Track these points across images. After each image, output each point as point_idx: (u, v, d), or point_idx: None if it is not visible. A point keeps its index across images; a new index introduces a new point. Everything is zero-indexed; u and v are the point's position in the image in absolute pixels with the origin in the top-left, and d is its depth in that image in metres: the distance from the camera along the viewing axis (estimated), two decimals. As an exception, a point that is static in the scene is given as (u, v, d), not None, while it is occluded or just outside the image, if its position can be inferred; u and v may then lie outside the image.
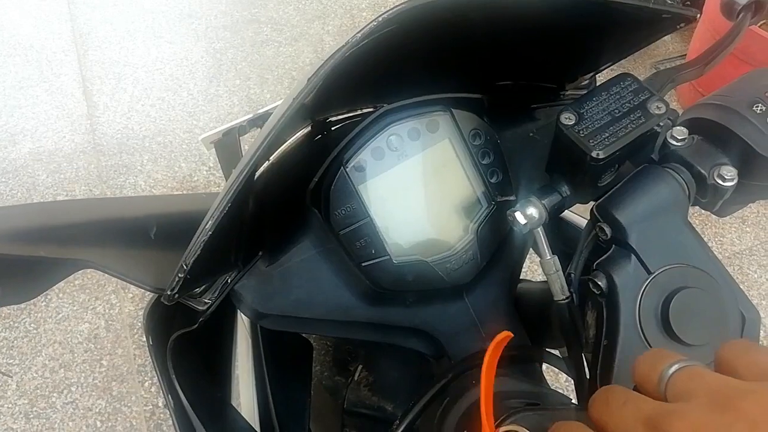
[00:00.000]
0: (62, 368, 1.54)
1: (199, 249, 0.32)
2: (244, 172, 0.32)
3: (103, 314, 1.64)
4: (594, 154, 0.37)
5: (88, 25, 2.62)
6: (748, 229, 1.87)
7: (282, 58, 2.47)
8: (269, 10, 2.71)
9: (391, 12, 0.31)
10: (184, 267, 0.33)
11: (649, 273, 0.37)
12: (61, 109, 2.24)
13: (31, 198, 1.93)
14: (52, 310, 1.65)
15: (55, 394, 1.50)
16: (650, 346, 0.36)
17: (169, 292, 0.34)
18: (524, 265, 0.56)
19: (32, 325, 1.62)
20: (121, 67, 2.42)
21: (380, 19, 0.31)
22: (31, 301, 1.62)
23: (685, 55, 2.36)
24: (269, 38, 2.57)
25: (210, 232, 0.32)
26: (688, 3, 2.29)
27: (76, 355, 1.57)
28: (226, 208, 0.32)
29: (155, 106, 2.26)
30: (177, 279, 0.34)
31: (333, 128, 0.50)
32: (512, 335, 0.37)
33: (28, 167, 2.03)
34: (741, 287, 0.38)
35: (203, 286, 0.42)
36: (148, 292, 0.42)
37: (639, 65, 2.41)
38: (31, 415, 1.46)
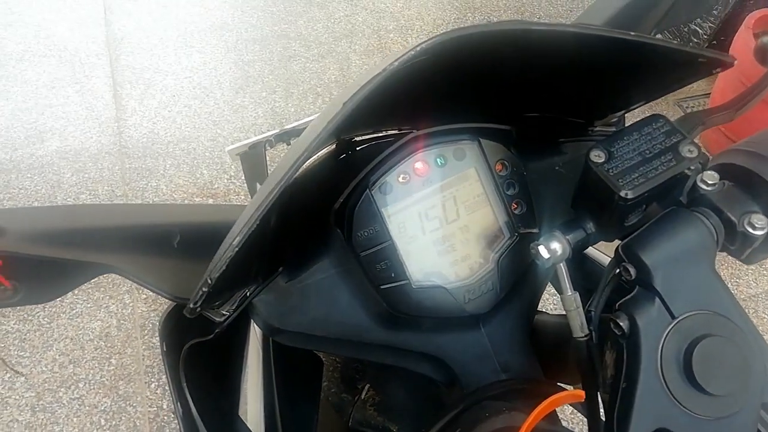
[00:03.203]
0: (71, 364, 1.56)
1: (224, 265, 0.33)
2: (275, 191, 0.32)
3: (116, 313, 1.65)
4: (623, 193, 0.37)
5: (122, 31, 2.69)
6: (765, 272, 1.83)
7: (308, 74, 2.51)
8: (299, 26, 2.76)
9: (429, 42, 0.32)
10: (209, 281, 0.33)
11: (673, 317, 0.36)
12: (91, 111, 2.29)
13: (55, 195, 1.96)
14: (67, 305, 1.67)
15: (62, 389, 1.51)
16: (671, 392, 0.35)
17: (191, 306, 0.35)
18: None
19: (45, 319, 1.64)
20: (151, 73, 2.48)
21: (419, 48, 0.32)
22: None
23: (709, 94, 2.35)
24: (297, 54, 2.61)
25: (237, 249, 0.32)
26: (715, 42, 2.29)
27: (86, 351, 1.58)
28: (255, 226, 0.32)
29: (182, 113, 2.30)
30: (201, 293, 0.34)
31: (358, 148, 0.50)
32: (582, 397, 0.36)
33: (53, 165, 2.07)
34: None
35: (223, 299, 0.42)
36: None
37: (662, 102, 2.40)
38: (37, 409, 1.47)
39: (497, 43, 0.35)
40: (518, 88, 0.46)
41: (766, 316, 1.72)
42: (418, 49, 0.32)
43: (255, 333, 0.64)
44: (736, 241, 0.38)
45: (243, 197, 1.97)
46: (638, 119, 0.42)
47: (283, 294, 0.46)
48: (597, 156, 0.39)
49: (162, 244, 0.46)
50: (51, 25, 2.70)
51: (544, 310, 0.64)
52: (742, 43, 1.89)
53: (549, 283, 0.59)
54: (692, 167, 0.39)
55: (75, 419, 1.45)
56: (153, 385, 1.52)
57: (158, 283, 0.42)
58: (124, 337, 1.60)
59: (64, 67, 2.49)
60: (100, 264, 0.42)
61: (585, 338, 0.41)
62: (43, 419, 1.45)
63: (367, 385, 0.75)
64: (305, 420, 0.60)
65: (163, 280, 0.43)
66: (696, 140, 0.41)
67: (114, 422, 1.45)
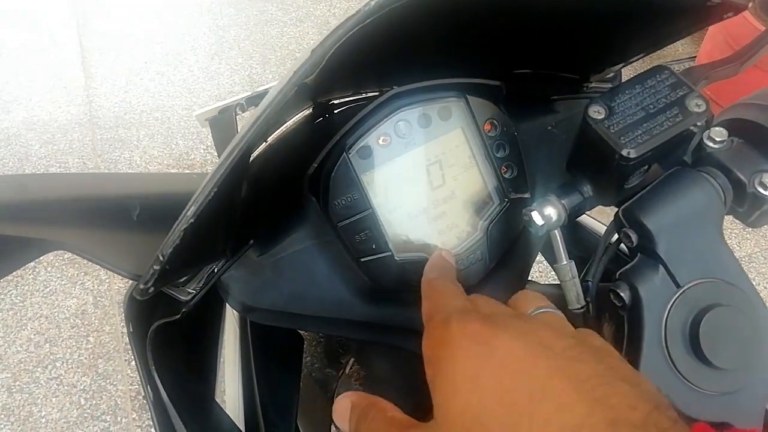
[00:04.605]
0: (48, 343, 1.51)
1: (178, 238, 0.29)
2: (234, 155, 0.28)
3: (92, 290, 1.61)
4: (624, 152, 0.34)
5: (89, -6, 2.55)
6: (748, 235, 1.84)
7: (286, 39, 2.42)
8: (276, -12, 2.65)
9: None
10: (161, 258, 0.29)
11: (678, 287, 0.33)
12: (58, 79, 2.19)
13: (23, 168, 1.88)
14: (40, 283, 1.61)
15: (39, 369, 1.47)
16: (675, 366, 0.33)
17: (142, 286, 0.31)
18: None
19: (18, 297, 1.59)
20: (121, 39, 2.37)
21: None
22: (18, 273, 1.57)
23: (695, 57, 2.32)
24: (274, 17, 2.51)
25: (192, 220, 0.28)
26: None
27: (62, 330, 1.54)
28: (212, 194, 0.28)
29: (154, 80, 2.21)
30: (152, 271, 0.30)
31: (336, 111, 0.46)
32: None
33: (21, 136, 1.98)
34: None
35: (186, 276, 0.38)
36: None
37: (647, 66, 2.37)
38: (14, 389, 1.43)
39: None
40: (509, 39, 0.41)
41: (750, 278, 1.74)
42: None
43: (232, 312, 0.60)
44: (745, 202, 0.36)
45: (220, 168, 1.91)
46: (638, 73, 0.38)
47: (255, 269, 0.42)
48: (596, 112, 0.35)
49: (120, 217, 0.42)
50: (12, -11, 2.55)
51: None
52: (730, 2, 1.85)
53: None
54: (699, 123, 0.35)
55: (54, 399, 1.42)
56: (133, 363, 1.48)
57: (116, 260, 0.38)
58: (101, 314, 1.56)
59: (29, 34, 2.36)
60: (48, 240, 0.38)
61: (581, 310, 0.38)
62: (20, 400, 1.41)
63: (352, 360, 0.73)
64: (286, 400, 0.57)
65: (121, 256, 0.39)
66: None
67: (94, 401, 1.42)
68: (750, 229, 1.65)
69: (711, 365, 0.32)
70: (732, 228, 1.85)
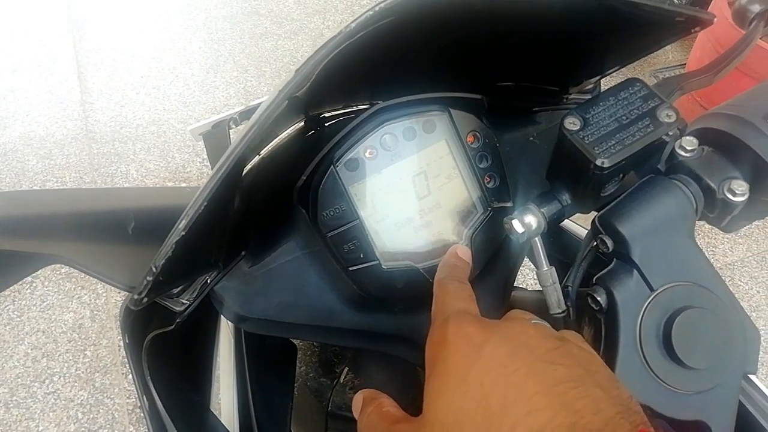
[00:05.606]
0: (45, 357, 1.51)
1: (170, 250, 0.30)
2: (223, 171, 0.29)
3: (89, 304, 1.61)
4: (599, 162, 0.35)
5: (85, 11, 2.58)
6: (740, 240, 1.86)
7: (281, 52, 2.44)
8: (269, 2, 2.69)
9: (388, 2, 0.29)
10: (153, 270, 0.31)
11: (652, 290, 0.35)
12: (54, 94, 2.21)
13: (20, 183, 1.89)
14: (37, 298, 1.62)
15: (36, 384, 1.47)
16: (650, 367, 0.34)
17: (136, 296, 0.32)
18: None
19: (15, 312, 1.59)
20: (116, 54, 2.39)
21: (377, 8, 0.29)
22: (15, 288, 1.57)
23: (685, 64, 2.35)
24: (268, 31, 2.54)
25: (183, 233, 0.30)
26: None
27: (59, 344, 1.54)
28: (202, 207, 0.29)
29: (150, 95, 2.22)
30: (145, 282, 0.31)
31: (327, 124, 0.48)
32: None
33: (17, 152, 1.99)
34: None
35: (180, 287, 0.40)
36: None
37: (638, 73, 2.40)
38: (11, 404, 1.43)
39: (466, 4, 0.33)
40: (489, 54, 0.43)
41: (742, 283, 1.75)
42: (377, 9, 0.29)
43: (226, 322, 0.61)
44: (715, 208, 0.37)
45: (217, 181, 1.93)
46: (614, 84, 0.40)
47: (247, 280, 0.43)
48: (572, 123, 0.37)
49: (115, 230, 0.43)
50: (10, 5, 2.57)
51: (523, 285, 0.62)
52: (717, 11, 1.89)
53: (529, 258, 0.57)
54: (670, 133, 0.37)
55: (51, 414, 1.42)
56: (130, 377, 1.48)
57: (111, 273, 0.39)
58: (98, 328, 1.56)
59: (26, 50, 2.39)
60: (45, 254, 0.39)
61: (562, 314, 0.40)
62: (17, 415, 1.41)
63: (346, 369, 0.73)
64: (280, 408, 0.58)
65: (116, 269, 0.40)
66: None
67: (92, 415, 1.42)
68: (742, 234, 1.66)
69: (684, 365, 0.33)
70: (724, 233, 1.87)
